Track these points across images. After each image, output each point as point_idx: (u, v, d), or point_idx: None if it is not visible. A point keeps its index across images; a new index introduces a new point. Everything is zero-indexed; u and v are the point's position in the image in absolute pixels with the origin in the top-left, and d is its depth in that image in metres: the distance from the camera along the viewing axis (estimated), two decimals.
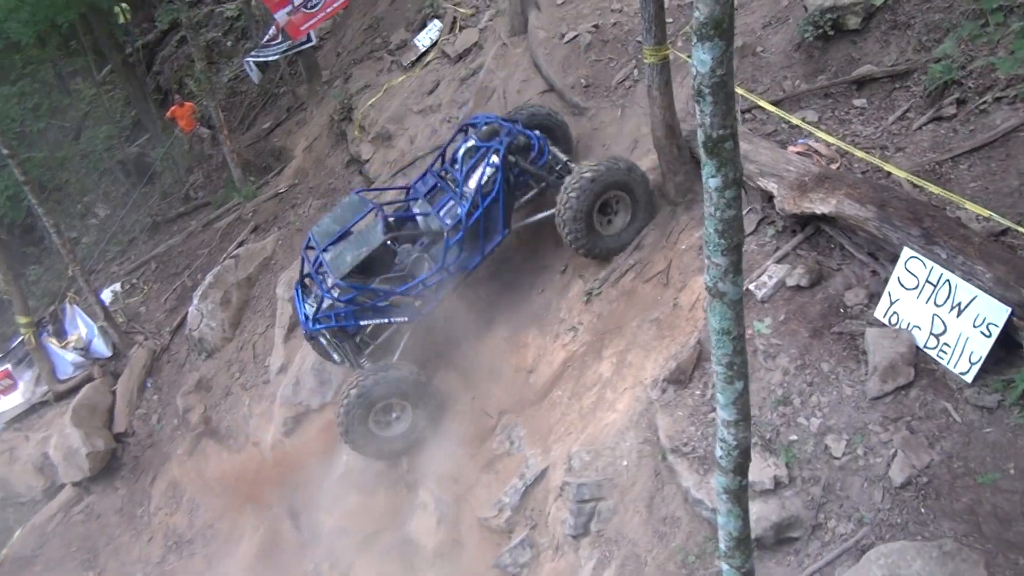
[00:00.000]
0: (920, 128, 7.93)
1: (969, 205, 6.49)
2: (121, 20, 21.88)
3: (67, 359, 13.68)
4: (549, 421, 8.35)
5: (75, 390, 13.42)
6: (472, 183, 9.38)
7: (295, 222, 13.70)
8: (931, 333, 6.29)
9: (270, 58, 15.40)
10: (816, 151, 8.14)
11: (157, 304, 14.68)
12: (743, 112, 9.04)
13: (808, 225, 7.49)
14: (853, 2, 8.85)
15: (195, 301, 13.17)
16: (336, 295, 9.36)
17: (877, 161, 7.40)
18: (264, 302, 12.76)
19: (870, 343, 6.41)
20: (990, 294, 5.90)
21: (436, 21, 14.43)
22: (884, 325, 6.57)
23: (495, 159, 9.23)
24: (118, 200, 18.98)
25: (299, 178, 14.99)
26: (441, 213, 9.57)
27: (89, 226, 18.76)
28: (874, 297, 6.79)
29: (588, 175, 8.63)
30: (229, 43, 21.29)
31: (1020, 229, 6.19)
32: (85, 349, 13.83)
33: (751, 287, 7.33)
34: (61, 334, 14.06)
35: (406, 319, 9.58)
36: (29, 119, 16.66)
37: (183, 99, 17.64)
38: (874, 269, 6.95)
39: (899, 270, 6.46)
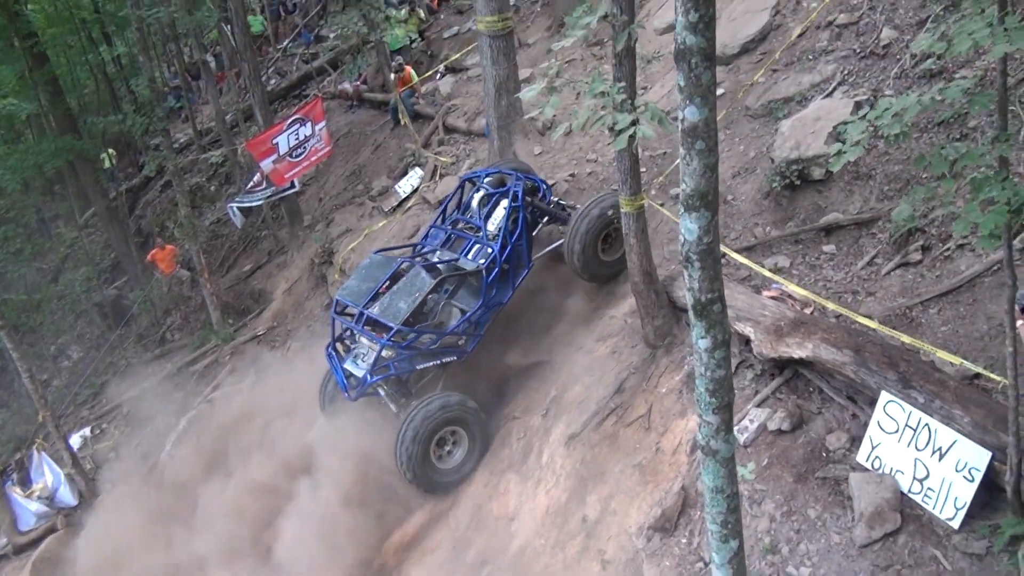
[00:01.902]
0: (888, 273, 8.19)
1: (940, 353, 6.64)
2: (107, 165, 22.40)
3: (30, 509, 13.17)
4: (533, 572, 8.10)
5: (36, 542, 12.88)
6: (493, 225, 10.28)
7: (273, 365, 13.64)
8: (914, 478, 6.29)
9: (254, 203, 15.76)
10: (790, 295, 8.36)
11: (128, 449, 14.32)
12: None
13: (786, 368, 7.60)
14: (816, 155, 9.31)
15: (168, 447, 12.88)
16: (395, 343, 9.72)
17: (847, 312, 7.62)
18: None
19: (855, 488, 6.39)
20: (970, 438, 5.96)
21: (417, 169, 14.94)
22: (867, 469, 6.56)
23: (513, 201, 10.16)
24: (92, 342, 18.84)
25: (278, 321, 15.05)
26: (470, 256, 10.32)
27: (61, 368, 18.51)
28: (856, 441, 6.82)
29: (595, 211, 9.71)
30: (213, 188, 21.76)
31: (991, 375, 6.32)
32: (50, 498, 13.36)
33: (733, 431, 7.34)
34: (26, 482, 13.60)
35: (455, 358, 10.15)
36: (11, 263, 16.75)
37: (165, 242, 17.86)
38: (854, 412, 7.01)
39: (878, 414, 6.52)
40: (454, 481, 9.85)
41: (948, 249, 7.90)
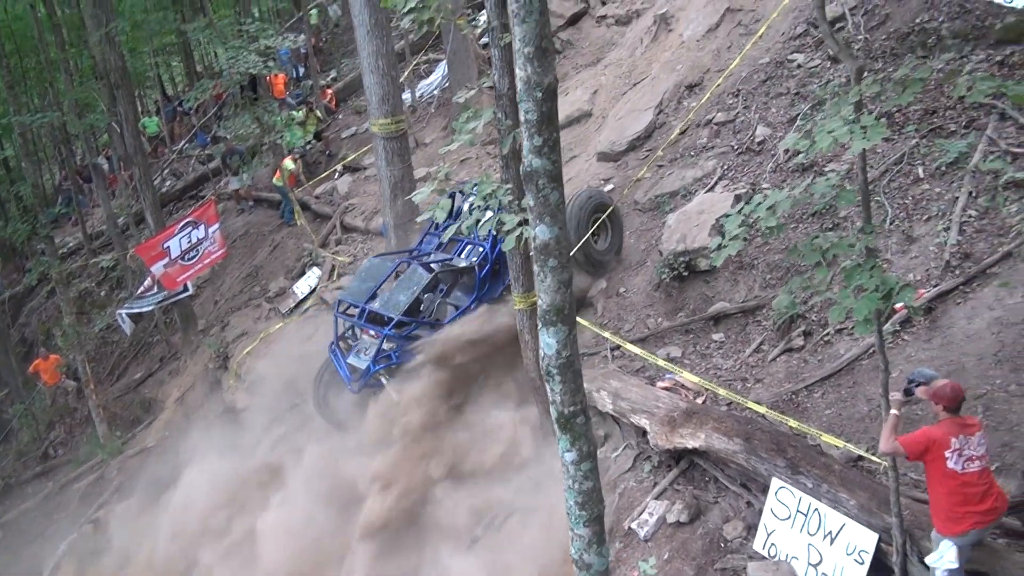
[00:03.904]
0: (774, 360, 8.46)
1: (825, 437, 6.83)
2: None
3: None
4: None
5: None
6: (484, 230, 10.51)
7: (163, 478, 12.97)
8: (809, 563, 6.35)
9: (144, 309, 15.25)
10: (683, 385, 8.51)
11: None
12: (612, 350, 9.45)
13: (683, 459, 7.66)
14: (701, 247, 9.65)
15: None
16: (395, 333, 10.06)
17: (738, 399, 7.79)
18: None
19: None
20: (857, 521, 6.08)
21: (315, 268, 14.81)
22: (764, 557, 6.60)
23: None
24: None
25: (169, 431, 14.39)
26: (463, 255, 10.85)
27: None
28: (752, 529, 6.87)
29: (583, 196, 10.46)
30: (103, 293, 21.00)
31: (872, 458, 6.52)
32: None
33: (633, 526, 7.32)
34: None
35: None
36: None
37: (49, 351, 17.03)
38: (748, 500, 7.08)
39: (771, 501, 6.61)
40: None
41: (827, 334, 8.23)
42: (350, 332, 10.86)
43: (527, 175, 2.76)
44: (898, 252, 8.24)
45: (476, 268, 10.56)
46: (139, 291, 15.06)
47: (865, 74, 9.85)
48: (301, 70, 24.03)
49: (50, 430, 17.06)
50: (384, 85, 12.07)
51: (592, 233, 10.56)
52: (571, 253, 10.12)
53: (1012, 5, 8.88)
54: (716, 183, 10.59)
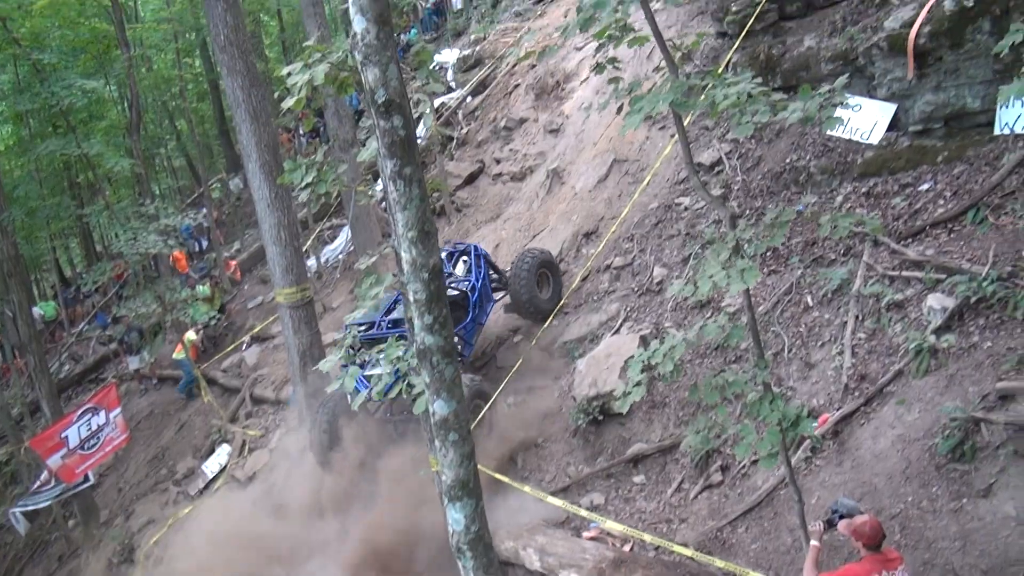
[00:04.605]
0: (696, 497, 8.45)
1: (752, 575, 6.78)
2: None
3: None
4: None
5: None
6: (459, 270, 12.04)
7: None
8: None
9: (40, 505, 14.24)
10: (609, 533, 8.38)
11: None
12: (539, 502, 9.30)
13: None
14: (612, 390, 9.75)
15: None
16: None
17: (664, 543, 7.71)
18: None
19: None
20: None
21: (225, 445, 14.26)
22: None
23: (475, 255, 12.00)
24: None
25: None
26: (453, 285, 11.69)
27: None
28: None
29: (527, 260, 11.77)
30: None
31: None
32: None
33: None
34: None
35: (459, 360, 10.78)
36: None
37: None
38: None
39: None
40: None
41: (744, 467, 8.31)
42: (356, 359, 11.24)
43: (420, 352, 2.80)
44: (799, 379, 8.51)
45: (468, 293, 11.48)
46: (35, 486, 14.10)
47: (746, 212, 10.53)
48: (204, 243, 24.06)
49: None
50: (287, 255, 12.16)
51: (537, 284, 11.84)
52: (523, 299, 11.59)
53: (868, 141, 9.70)
54: (621, 325, 10.86)
